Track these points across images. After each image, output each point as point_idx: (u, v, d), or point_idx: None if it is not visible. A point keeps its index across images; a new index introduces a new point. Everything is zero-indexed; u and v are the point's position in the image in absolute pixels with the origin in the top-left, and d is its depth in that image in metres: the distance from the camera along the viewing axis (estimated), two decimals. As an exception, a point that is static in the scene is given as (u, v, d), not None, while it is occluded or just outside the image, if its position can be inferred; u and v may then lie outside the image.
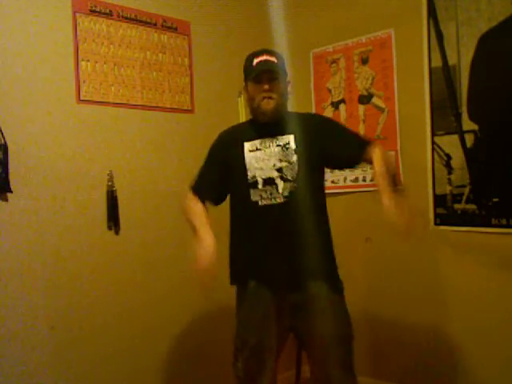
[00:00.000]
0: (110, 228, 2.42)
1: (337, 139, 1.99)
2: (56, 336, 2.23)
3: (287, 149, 1.90)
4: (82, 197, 2.33)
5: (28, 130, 2.18)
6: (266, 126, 1.92)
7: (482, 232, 2.46)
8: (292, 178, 1.87)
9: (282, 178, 1.87)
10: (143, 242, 2.54)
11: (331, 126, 2.08)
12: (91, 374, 2.33)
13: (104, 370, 2.38)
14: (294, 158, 1.88)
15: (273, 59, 1.90)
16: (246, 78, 1.95)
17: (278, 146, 1.90)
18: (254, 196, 1.88)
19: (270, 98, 1.87)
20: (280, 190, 1.86)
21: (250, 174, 1.89)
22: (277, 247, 1.87)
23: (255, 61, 1.90)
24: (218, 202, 2.02)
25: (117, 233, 2.44)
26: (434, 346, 2.66)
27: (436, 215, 2.63)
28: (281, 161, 1.88)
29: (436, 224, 2.63)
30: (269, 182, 1.87)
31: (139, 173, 2.54)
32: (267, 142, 1.91)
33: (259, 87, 1.88)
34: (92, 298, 2.34)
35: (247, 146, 1.93)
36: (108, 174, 2.41)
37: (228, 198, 2.04)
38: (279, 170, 1.88)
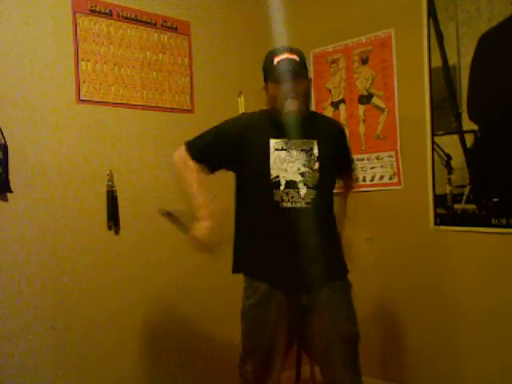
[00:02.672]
0: (110, 228, 2.42)
1: (346, 158, 2.13)
2: (56, 336, 2.23)
3: (310, 155, 1.87)
4: (82, 197, 2.33)
5: (28, 130, 2.18)
6: (290, 126, 1.87)
7: (482, 232, 2.46)
8: (313, 185, 1.84)
9: (304, 183, 1.84)
10: (143, 241, 2.54)
11: (346, 143, 2.14)
12: (91, 374, 2.33)
13: (104, 370, 2.38)
14: (317, 165, 1.86)
15: (294, 57, 1.83)
16: (267, 78, 1.88)
17: (302, 150, 1.87)
18: (276, 196, 1.83)
19: (292, 98, 1.81)
20: (302, 195, 1.83)
21: (273, 173, 1.84)
22: (295, 251, 1.84)
23: (276, 59, 1.82)
24: (210, 172, 1.94)
25: (117, 233, 2.44)
26: (435, 345, 2.66)
27: (436, 215, 2.63)
28: (304, 166, 1.85)
29: (436, 224, 2.63)
30: (291, 185, 1.83)
31: (139, 173, 2.54)
32: (292, 143, 1.87)
33: (281, 88, 1.82)
34: (92, 298, 2.35)
35: (273, 143, 1.86)
36: (108, 174, 2.41)
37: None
38: (302, 174, 1.85)
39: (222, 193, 1.95)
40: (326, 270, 1.85)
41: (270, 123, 1.91)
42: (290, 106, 1.82)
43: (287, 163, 1.85)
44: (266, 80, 1.89)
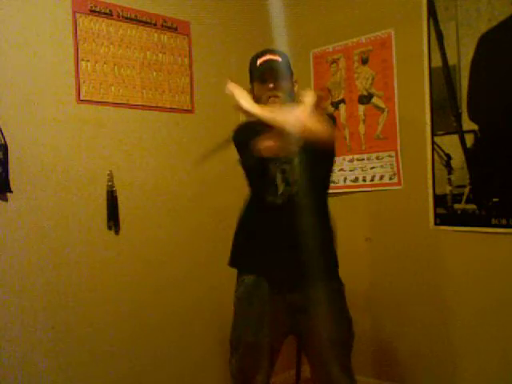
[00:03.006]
0: (110, 228, 2.42)
1: None
2: (56, 336, 2.23)
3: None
4: (82, 197, 2.33)
5: (28, 130, 2.18)
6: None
7: (481, 232, 2.46)
8: (293, 180, 1.86)
9: (283, 179, 1.86)
10: (143, 241, 2.54)
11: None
12: (91, 374, 2.33)
13: (104, 370, 2.38)
14: (296, 160, 1.87)
15: (277, 58, 1.89)
16: (251, 79, 1.95)
17: None
18: (262, 189, 1.88)
19: (275, 96, 1.86)
20: (280, 191, 1.86)
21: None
22: (278, 246, 1.87)
23: (259, 61, 1.89)
24: None
25: (117, 233, 2.44)
26: (433, 345, 2.66)
27: (436, 215, 2.63)
28: (284, 163, 1.87)
29: (436, 224, 2.63)
30: (273, 180, 1.86)
31: (139, 173, 2.54)
32: None
33: (264, 87, 1.87)
34: (92, 298, 2.35)
35: None
36: (108, 174, 2.41)
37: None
38: (283, 171, 1.87)
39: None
40: (311, 268, 1.85)
41: (258, 125, 1.92)
42: (272, 104, 1.85)
43: (271, 160, 1.87)
44: (251, 81, 1.96)
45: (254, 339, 1.87)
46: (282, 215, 1.86)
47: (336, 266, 1.97)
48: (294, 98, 1.94)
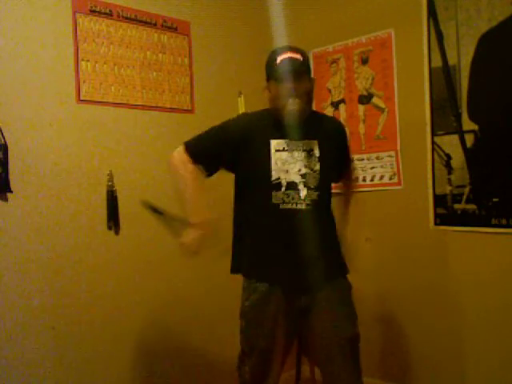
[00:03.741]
0: (110, 228, 2.42)
1: (346, 158, 2.11)
2: (56, 336, 2.23)
3: (311, 156, 1.85)
4: (82, 197, 2.33)
5: (28, 129, 2.18)
6: (291, 126, 1.85)
7: (482, 232, 2.46)
8: (314, 186, 1.83)
9: (304, 184, 1.83)
10: (143, 241, 2.53)
11: (347, 144, 2.12)
12: (91, 374, 2.33)
13: (104, 370, 2.38)
14: (318, 166, 1.85)
15: (297, 56, 1.81)
16: (269, 77, 1.86)
17: (304, 151, 1.85)
18: (275, 198, 1.82)
19: (295, 97, 1.79)
20: (302, 197, 1.82)
21: (274, 175, 1.82)
22: (294, 252, 1.83)
23: (279, 58, 1.81)
24: (208, 174, 1.92)
25: (117, 233, 2.44)
26: (435, 345, 2.66)
27: (436, 215, 2.63)
28: (305, 167, 1.84)
29: (436, 224, 2.63)
30: (292, 186, 1.82)
31: (139, 173, 2.54)
32: (293, 144, 1.85)
33: (283, 87, 1.79)
34: (92, 298, 2.34)
35: (274, 144, 1.85)
36: (108, 174, 2.41)
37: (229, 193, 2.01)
38: (303, 176, 1.83)
39: (220, 195, 1.95)
40: (325, 270, 1.85)
41: (271, 123, 1.89)
42: (292, 105, 1.80)
43: (288, 164, 1.83)
44: (268, 79, 1.87)
45: (268, 345, 1.86)
46: (300, 220, 1.82)
47: (346, 266, 1.95)
48: (311, 98, 1.89)
